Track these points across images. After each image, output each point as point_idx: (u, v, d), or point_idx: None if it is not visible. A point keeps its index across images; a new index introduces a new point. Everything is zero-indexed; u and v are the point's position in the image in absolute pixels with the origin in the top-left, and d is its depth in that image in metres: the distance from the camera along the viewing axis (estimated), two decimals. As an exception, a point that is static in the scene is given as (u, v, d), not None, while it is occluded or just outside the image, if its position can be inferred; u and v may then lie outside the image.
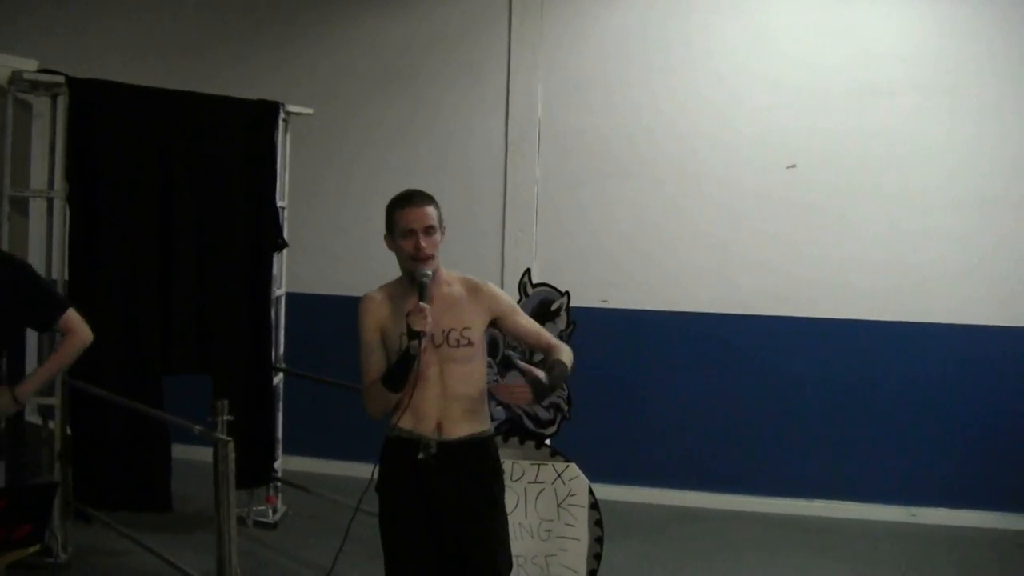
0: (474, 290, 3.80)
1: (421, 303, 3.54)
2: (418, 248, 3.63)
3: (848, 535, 6.79)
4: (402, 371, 3.57)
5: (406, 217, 3.65)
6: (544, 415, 5.38)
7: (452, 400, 3.68)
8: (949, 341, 7.00)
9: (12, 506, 3.48)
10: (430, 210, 3.69)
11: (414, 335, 3.50)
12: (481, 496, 3.75)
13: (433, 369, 3.66)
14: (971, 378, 7.00)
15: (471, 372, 3.75)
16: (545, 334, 3.94)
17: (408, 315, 3.52)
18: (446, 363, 3.67)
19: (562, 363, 3.74)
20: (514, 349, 5.35)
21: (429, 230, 3.66)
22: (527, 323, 3.93)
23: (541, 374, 3.60)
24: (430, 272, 3.63)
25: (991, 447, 6.97)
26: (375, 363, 3.70)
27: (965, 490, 7.02)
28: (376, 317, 3.72)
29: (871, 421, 7.10)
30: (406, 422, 3.68)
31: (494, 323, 3.83)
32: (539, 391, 3.60)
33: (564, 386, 5.37)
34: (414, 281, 3.66)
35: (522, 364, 3.81)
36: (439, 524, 3.70)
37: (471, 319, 3.74)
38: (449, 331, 3.68)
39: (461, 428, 3.71)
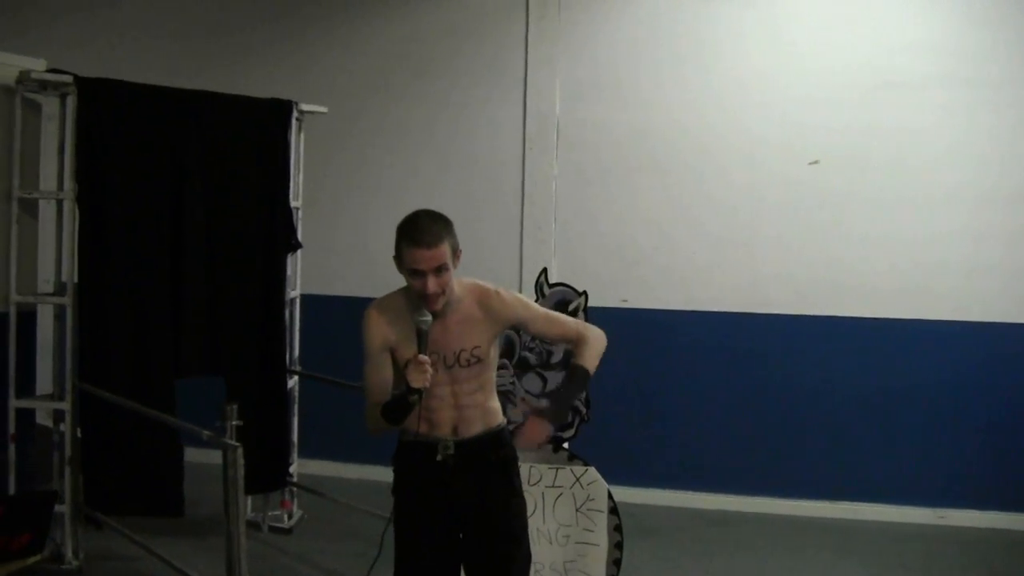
0: (485, 300, 3.66)
1: (421, 356, 3.40)
2: (425, 291, 3.45)
3: (874, 537, 6.68)
4: (400, 415, 3.50)
5: (414, 257, 3.43)
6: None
7: (465, 409, 3.65)
8: (978, 339, 6.87)
9: (10, 513, 3.40)
10: (442, 249, 3.45)
11: (413, 391, 3.40)
12: (502, 486, 3.73)
13: (445, 388, 3.59)
14: (1000, 377, 6.87)
15: (483, 383, 3.70)
16: (565, 325, 3.81)
17: (406, 367, 3.42)
18: (457, 382, 3.61)
19: (581, 372, 3.71)
20: (531, 351, 5.25)
21: (440, 270, 3.46)
22: (546, 323, 3.77)
23: (541, 403, 3.62)
24: (430, 318, 3.45)
25: (1020, 447, 6.84)
26: (380, 382, 3.60)
27: (994, 491, 6.91)
28: (382, 333, 3.58)
29: (898, 421, 6.99)
30: (420, 428, 3.60)
31: (513, 328, 3.76)
32: (551, 416, 3.74)
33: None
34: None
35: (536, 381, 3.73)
36: (460, 522, 3.68)
37: (481, 337, 3.63)
38: (460, 352, 3.59)
39: (476, 427, 3.68)
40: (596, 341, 3.77)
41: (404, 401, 3.45)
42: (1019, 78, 6.81)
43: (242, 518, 4.36)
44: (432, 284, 3.44)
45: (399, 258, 3.52)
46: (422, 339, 3.43)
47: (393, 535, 3.72)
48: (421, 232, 3.44)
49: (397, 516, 3.72)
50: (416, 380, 3.38)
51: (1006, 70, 6.82)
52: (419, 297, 3.48)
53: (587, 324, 3.88)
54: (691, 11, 7.24)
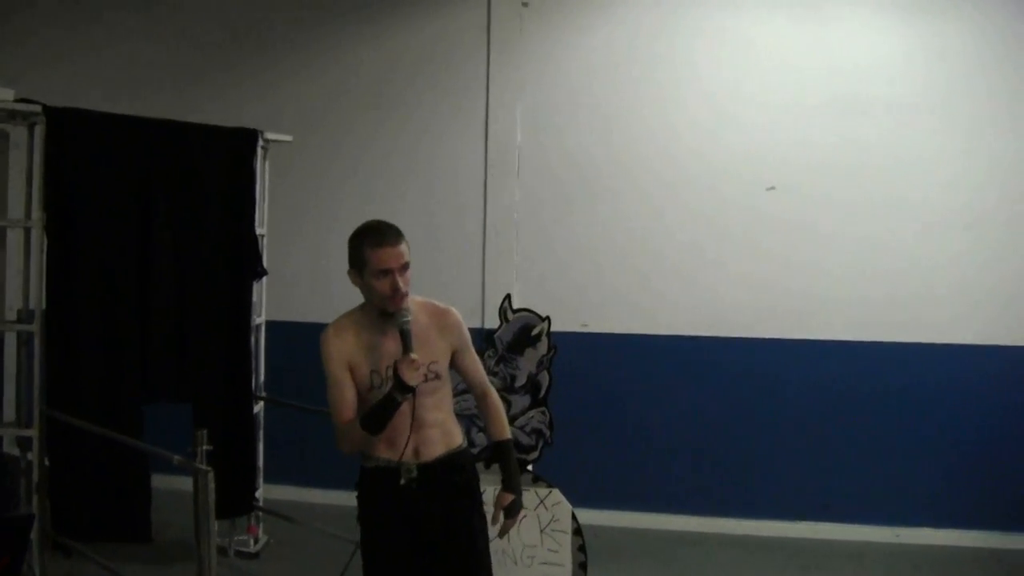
0: (439, 317, 3.77)
1: (412, 355, 3.47)
2: (396, 288, 3.55)
3: (833, 556, 6.78)
4: (385, 417, 3.54)
5: (381, 256, 3.55)
6: (526, 440, 5.36)
7: (425, 427, 3.68)
8: (934, 361, 7.00)
9: (-12, 539, 3.44)
10: (403, 247, 3.60)
11: (406, 389, 3.45)
12: (465, 510, 3.79)
13: (404, 405, 3.57)
14: (956, 398, 7.01)
15: (440, 399, 3.76)
16: (482, 373, 3.97)
17: (398, 366, 3.45)
18: (418, 397, 3.59)
19: (511, 446, 3.94)
20: (495, 375, 5.34)
21: (404, 268, 3.59)
22: (474, 363, 3.93)
23: (508, 498, 3.83)
24: (410, 317, 3.54)
25: (975, 466, 6.98)
26: (348, 400, 3.65)
27: (949, 509, 7.02)
28: (342, 352, 3.65)
29: (855, 442, 7.10)
30: (382, 452, 3.67)
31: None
32: (519, 502, 3.88)
33: (546, 411, 5.39)
34: (384, 313, 3.61)
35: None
36: (425, 546, 3.71)
37: (438, 352, 3.72)
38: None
39: (437, 448, 3.73)
40: (501, 405, 3.99)
41: (392, 402, 3.48)
42: (978, 104, 6.99)
43: (213, 542, 4.38)
44: (401, 282, 3.56)
45: (360, 265, 3.61)
46: (407, 338, 3.50)
47: (362, 564, 3.77)
48: (384, 233, 3.60)
49: (364, 545, 3.77)
50: (411, 378, 3.44)
51: (967, 95, 7.00)
52: (386, 299, 3.56)
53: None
54: (650, 39, 7.36)
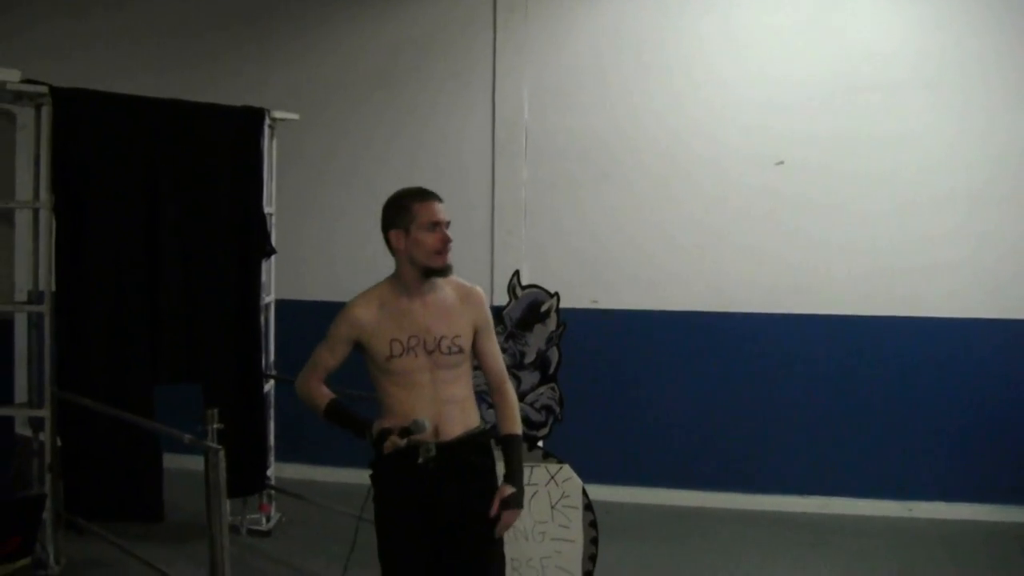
0: (465, 295, 3.79)
1: (401, 442, 3.54)
2: (447, 241, 3.63)
3: (844, 531, 6.79)
4: (344, 428, 3.70)
5: (431, 209, 3.63)
6: (536, 417, 5.36)
7: (445, 403, 3.68)
8: (940, 335, 7.00)
9: (1, 518, 3.44)
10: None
11: (376, 446, 3.55)
12: (483, 493, 3.77)
13: (425, 375, 3.64)
14: (963, 371, 7.01)
15: (460, 375, 3.76)
16: (500, 361, 3.95)
17: (384, 439, 3.53)
18: (438, 369, 3.66)
19: (520, 440, 3.91)
20: (504, 351, 5.32)
21: (448, 225, 3.68)
22: (494, 348, 3.92)
23: (508, 490, 3.76)
24: (428, 425, 3.56)
25: (985, 440, 6.98)
26: (326, 368, 3.80)
27: (961, 484, 7.03)
28: (354, 328, 3.68)
29: (865, 416, 7.10)
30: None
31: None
32: (519, 497, 3.79)
33: (556, 387, 5.38)
34: (427, 273, 3.64)
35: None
36: (440, 528, 3.71)
37: (461, 327, 3.73)
38: (441, 338, 3.66)
39: (456, 427, 3.72)
40: (515, 399, 3.97)
41: (359, 430, 3.63)
42: (975, 82, 6.96)
43: (225, 520, 4.38)
44: (448, 235, 3.64)
45: (406, 223, 3.65)
46: (412, 431, 3.53)
47: (376, 544, 3.76)
48: (427, 191, 3.71)
49: (379, 524, 3.76)
50: (385, 449, 3.54)
51: (964, 74, 6.97)
52: (435, 254, 3.62)
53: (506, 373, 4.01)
54: (655, 20, 7.35)
